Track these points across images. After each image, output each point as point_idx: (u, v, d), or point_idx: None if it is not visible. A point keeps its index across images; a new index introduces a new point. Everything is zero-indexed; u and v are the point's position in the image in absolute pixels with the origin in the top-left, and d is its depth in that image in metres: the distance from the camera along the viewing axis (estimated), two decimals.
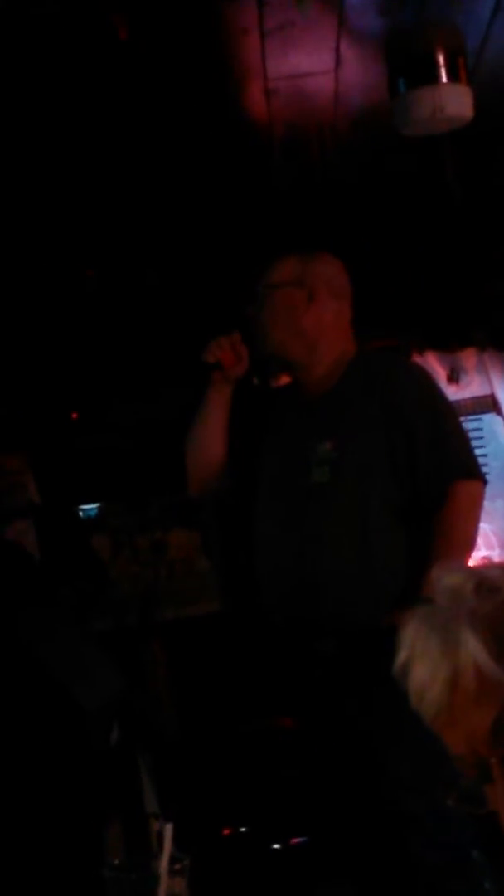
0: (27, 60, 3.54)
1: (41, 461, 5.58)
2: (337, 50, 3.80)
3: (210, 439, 3.55)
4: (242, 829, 5.15)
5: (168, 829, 1.35)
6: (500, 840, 1.21)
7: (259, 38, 3.63)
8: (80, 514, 6.43)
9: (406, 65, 3.77)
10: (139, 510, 6.04)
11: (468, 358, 6.91)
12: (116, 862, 1.53)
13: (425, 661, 1.24)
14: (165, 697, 5.41)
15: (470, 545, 3.37)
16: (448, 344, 6.87)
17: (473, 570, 1.29)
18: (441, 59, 3.72)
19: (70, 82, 3.71)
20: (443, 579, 1.28)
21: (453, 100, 3.75)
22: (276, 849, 5.06)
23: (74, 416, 6.39)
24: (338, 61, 3.88)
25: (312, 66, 3.91)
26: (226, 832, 5.13)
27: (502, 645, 1.20)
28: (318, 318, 3.46)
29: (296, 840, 5.08)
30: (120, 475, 6.04)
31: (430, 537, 3.31)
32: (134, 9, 3.25)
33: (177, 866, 1.47)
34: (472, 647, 1.20)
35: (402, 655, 1.27)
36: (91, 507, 6.57)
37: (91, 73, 3.67)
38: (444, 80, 3.72)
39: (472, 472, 3.36)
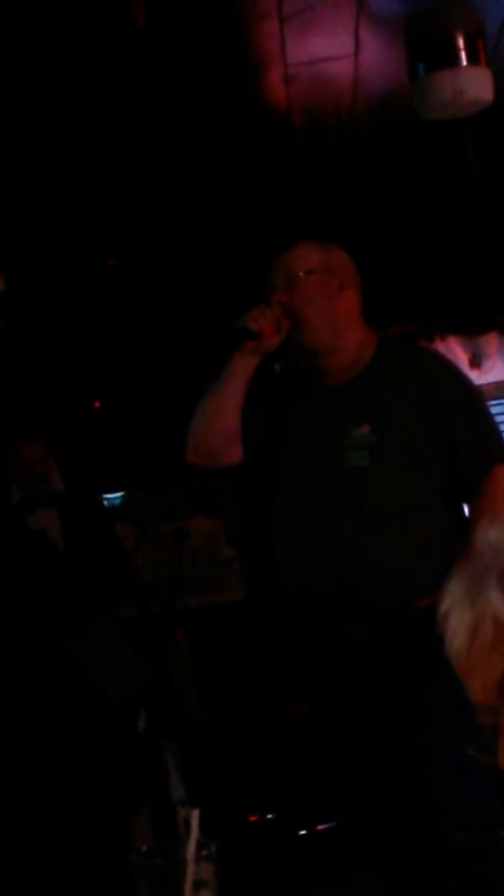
0: (47, 48, 3.54)
1: (64, 450, 5.59)
2: (356, 34, 3.78)
3: (227, 409, 3.53)
4: (269, 816, 5.16)
5: (195, 815, 1.35)
6: None
7: (278, 23, 3.62)
8: (104, 502, 6.44)
9: (425, 48, 3.75)
10: (162, 498, 6.05)
11: (490, 342, 6.90)
12: (144, 848, 1.53)
13: (457, 610, 1.28)
14: (190, 685, 5.41)
15: None
16: (470, 328, 6.86)
17: None
18: (461, 42, 3.70)
19: (89, 69, 3.71)
20: (486, 533, 1.31)
21: (473, 83, 3.73)
22: (302, 835, 5.07)
23: (97, 404, 6.41)
24: (357, 46, 3.86)
25: (332, 50, 3.90)
26: (253, 818, 5.14)
27: None
28: (348, 304, 3.49)
29: (322, 826, 5.09)
30: (142, 463, 6.05)
31: (469, 520, 3.38)
32: None
33: (203, 852, 1.47)
34: (493, 598, 1.25)
35: (443, 605, 1.31)
36: (115, 496, 6.58)
37: (110, 59, 3.67)
38: (464, 63, 3.70)
39: None
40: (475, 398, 3.55)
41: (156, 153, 4.50)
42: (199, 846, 1.48)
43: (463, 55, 3.71)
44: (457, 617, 1.27)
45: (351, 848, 4.90)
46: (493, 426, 3.51)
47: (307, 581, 3.43)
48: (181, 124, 4.28)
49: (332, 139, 4.70)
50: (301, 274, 3.48)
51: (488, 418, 3.52)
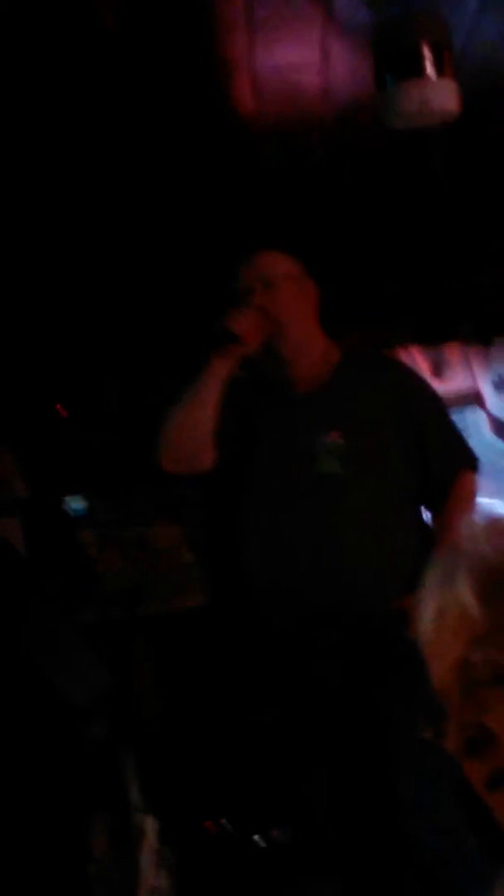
0: (12, 49, 3.53)
1: (27, 455, 5.56)
2: (323, 44, 3.79)
3: (205, 413, 3.49)
4: (224, 822, 5.15)
5: (150, 823, 1.35)
6: (495, 827, 1.26)
7: (246, 30, 3.62)
8: (66, 508, 6.42)
9: (392, 58, 3.76)
10: (124, 504, 6.03)
11: (452, 352, 6.91)
12: (99, 856, 1.53)
13: (429, 596, 1.31)
14: (150, 691, 5.40)
15: None
16: (432, 338, 6.88)
17: (496, 518, 1.35)
18: (428, 53, 3.71)
19: (56, 74, 3.70)
20: (464, 527, 1.35)
21: (440, 94, 3.74)
22: (260, 841, 5.07)
23: (59, 408, 6.38)
24: (324, 55, 3.87)
25: (299, 59, 3.90)
26: (208, 825, 5.13)
27: (489, 588, 1.26)
28: (317, 312, 3.50)
29: (277, 832, 5.08)
30: (106, 469, 6.03)
31: (438, 524, 3.43)
32: (122, 0, 3.24)
33: (159, 860, 1.47)
34: (461, 587, 1.27)
35: (419, 591, 1.34)
36: (78, 502, 6.56)
37: (77, 65, 3.66)
38: (431, 74, 3.72)
39: (474, 464, 3.49)
40: (442, 405, 3.61)
41: (122, 159, 4.49)
42: (155, 854, 1.48)
43: (429, 66, 3.72)
44: (427, 602, 1.31)
45: (308, 854, 4.91)
46: (459, 432, 3.57)
47: (280, 586, 3.44)
48: (148, 132, 4.27)
49: (298, 148, 4.70)
50: (279, 279, 3.48)
51: (454, 425, 3.58)
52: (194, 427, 3.50)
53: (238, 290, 3.53)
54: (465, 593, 1.26)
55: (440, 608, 1.29)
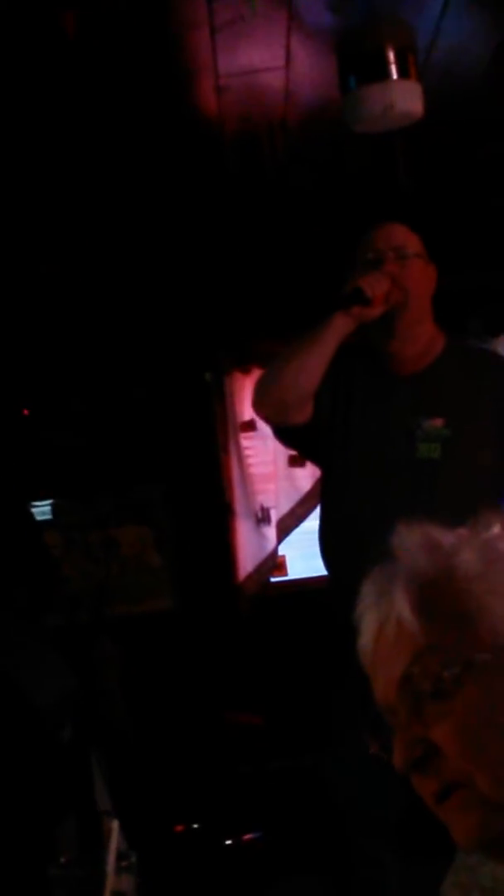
0: None
1: None
2: (287, 46, 3.79)
3: (315, 367, 3.37)
4: (195, 826, 5.15)
5: (115, 827, 1.35)
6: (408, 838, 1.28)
7: (209, 33, 3.62)
8: (33, 511, 6.40)
9: (357, 61, 3.77)
10: (91, 507, 6.03)
11: None
12: (63, 860, 1.53)
13: (368, 610, 1.32)
14: (117, 694, 5.39)
15: None
16: None
17: (429, 530, 1.35)
18: (391, 56, 3.72)
19: (16, 79, 3.69)
20: (401, 538, 1.35)
21: (404, 96, 3.75)
22: (229, 845, 5.07)
23: (26, 412, 6.36)
24: (288, 58, 3.87)
25: (263, 62, 3.90)
26: (179, 829, 5.13)
27: (424, 601, 1.26)
28: (431, 297, 3.49)
29: (248, 836, 5.09)
30: (71, 471, 6.02)
31: None
32: (82, 4, 3.23)
33: (124, 863, 1.48)
34: (399, 599, 1.27)
35: (359, 606, 1.34)
36: (44, 504, 6.54)
37: (39, 68, 3.65)
38: (395, 76, 3.73)
39: None
40: None
41: (87, 163, 4.48)
42: (120, 857, 1.48)
43: (394, 69, 3.73)
44: (367, 617, 1.31)
45: (277, 857, 4.91)
46: None
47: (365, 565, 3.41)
48: (112, 135, 4.26)
49: (263, 150, 4.70)
50: (411, 251, 3.46)
51: None
52: (307, 378, 3.37)
53: (367, 256, 3.46)
54: (403, 607, 1.26)
55: (379, 623, 1.29)
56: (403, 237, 3.49)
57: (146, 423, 6.06)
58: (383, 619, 1.28)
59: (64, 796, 3.96)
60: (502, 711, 1.22)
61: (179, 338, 6.07)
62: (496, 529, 1.33)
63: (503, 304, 6.20)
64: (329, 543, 3.51)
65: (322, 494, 3.60)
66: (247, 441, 6.15)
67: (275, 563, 6.14)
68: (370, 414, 3.44)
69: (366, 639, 1.31)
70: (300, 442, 3.59)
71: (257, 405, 3.53)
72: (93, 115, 4.07)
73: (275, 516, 6.08)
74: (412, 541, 1.33)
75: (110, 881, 1.43)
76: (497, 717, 1.22)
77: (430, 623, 1.25)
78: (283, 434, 3.58)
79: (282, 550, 6.16)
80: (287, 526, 6.05)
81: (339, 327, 3.39)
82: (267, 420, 3.54)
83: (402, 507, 3.28)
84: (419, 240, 3.50)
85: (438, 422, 3.37)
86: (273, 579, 6.16)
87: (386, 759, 1.28)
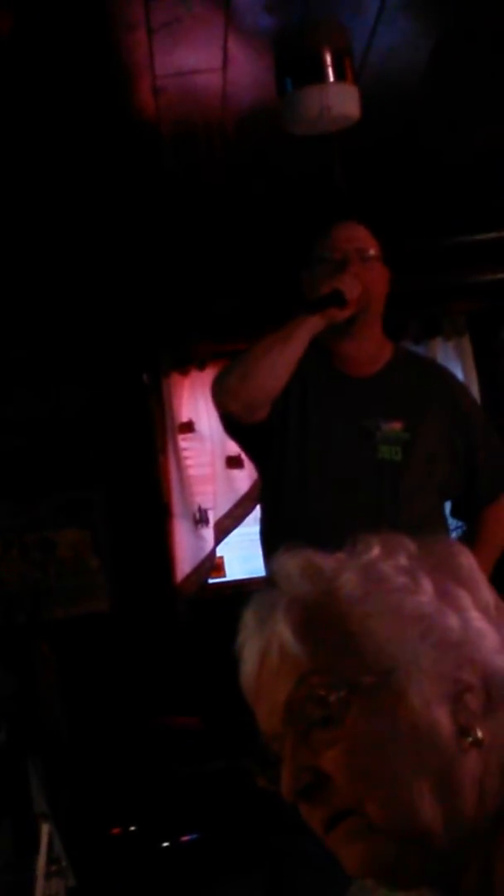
0: None
1: None
2: (225, 48, 3.80)
3: (284, 367, 3.33)
4: (132, 828, 5.14)
5: (45, 830, 1.34)
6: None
7: (146, 34, 3.61)
8: None
9: (293, 64, 3.78)
10: (28, 509, 5.99)
11: None
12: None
13: (249, 639, 1.29)
14: (54, 697, 5.37)
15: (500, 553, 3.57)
16: None
17: (310, 555, 1.33)
18: (328, 59, 3.74)
19: None
20: (279, 563, 1.32)
21: (340, 99, 3.77)
22: (166, 846, 5.06)
23: None
24: (225, 59, 3.88)
25: (200, 63, 3.90)
26: (115, 831, 5.12)
27: (307, 625, 1.25)
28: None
29: (186, 837, 5.08)
30: (8, 473, 5.99)
31: (473, 536, 3.46)
32: (19, 3, 3.21)
33: (54, 868, 1.47)
34: (280, 625, 1.25)
35: (240, 635, 1.31)
36: None
37: None
38: (332, 79, 3.74)
39: None
40: (487, 418, 3.64)
41: (23, 162, 4.46)
42: (50, 861, 1.47)
43: (330, 71, 3.75)
44: (248, 645, 1.29)
45: (215, 859, 4.91)
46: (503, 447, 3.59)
47: None
48: (48, 135, 4.25)
49: (201, 151, 4.70)
50: (373, 253, 3.44)
51: (499, 439, 3.59)
52: (277, 377, 3.33)
53: (333, 255, 3.44)
54: (285, 633, 1.24)
55: (262, 650, 1.27)
56: (365, 238, 3.49)
57: (84, 424, 6.04)
58: (265, 645, 1.26)
59: (0, 799, 3.94)
60: (390, 735, 1.20)
61: (117, 339, 6.05)
62: (376, 551, 1.31)
63: (441, 306, 6.24)
64: (276, 545, 3.51)
65: (266, 496, 3.58)
66: (185, 442, 6.14)
67: (213, 564, 6.14)
68: (326, 414, 3.44)
69: (248, 667, 1.28)
70: (251, 440, 3.56)
71: (223, 402, 3.45)
72: (29, 115, 4.05)
73: (213, 518, 6.08)
74: (292, 566, 1.31)
75: (40, 885, 1.42)
76: (384, 741, 1.20)
77: (313, 647, 1.23)
78: (239, 431, 3.54)
79: (220, 552, 6.16)
80: (225, 527, 6.05)
81: (313, 328, 3.36)
82: (231, 416, 3.49)
83: (366, 508, 3.30)
84: (377, 242, 3.51)
85: (397, 424, 3.38)
86: (211, 580, 6.16)
87: (273, 790, 1.26)
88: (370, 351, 3.48)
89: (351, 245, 3.45)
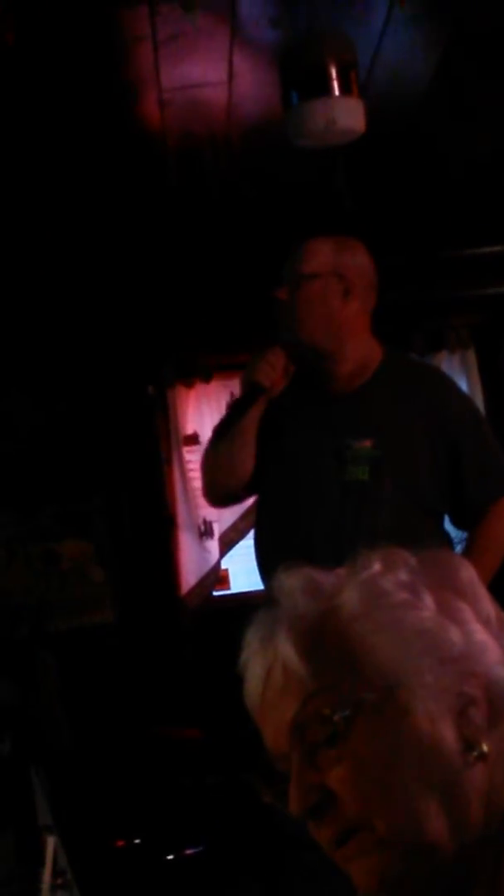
0: None
1: None
2: (230, 61, 3.81)
3: (246, 457, 3.44)
4: (137, 841, 5.13)
5: (51, 843, 1.34)
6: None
7: (152, 47, 3.62)
8: None
9: (299, 77, 3.79)
10: (31, 519, 5.99)
11: None
12: (2, 875, 1.52)
13: (253, 658, 1.29)
14: (58, 708, 5.37)
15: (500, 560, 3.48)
16: None
17: (311, 573, 1.32)
18: (333, 72, 3.75)
19: None
20: (280, 581, 1.32)
21: (345, 112, 3.77)
22: (170, 860, 5.05)
23: None
24: (231, 73, 3.89)
25: (206, 76, 3.92)
26: (120, 844, 5.10)
27: (310, 644, 1.25)
28: (353, 312, 3.42)
29: (190, 850, 5.07)
30: (11, 483, 5.99)
31: (471, 544, 3.41)
32: (24, 15, 3.22)
33: (59, 881, 1.46)
34: (283, 644, 1.25)
35: (243, 654, 1.31)
36: None
37: None
38: (337, 92, 3.75)
39: None
40: (481, 421, 3.57)
41: (29, 175, 4.47)
42: (55, 874, 1.47)
43: (336, 85, 3.75)
44: (252, 665, 1.29)
45: (219, 871, 4.90)
46: (499, 451, 3.52)
47: None
48: (54, 147, 4.25)
49: (206, 164, 4.71)
50: (306, 275, 3.41)
51: (495, 443, 3.52)
52: (236, 468, 3.46)
53: (279, 293, 3.46)
54: (288, 652, 1.25)
55: (265, 669, 1.27)
56: (303, 261, 3.45)
57: (89, 435, 6.04)
58: (269, 665, 1.26)
59: (2, 811, 3.94)
60: (395, 752, 1.20)
61: (122, 350, 6.05)
62: (377, 567, 1.30)
63: (445, 319, 6.24)
64: (261, 563, 3.53)
65: (256, 513, 3.62)
66: (190, 454, 6.14)
67: (217, 576, 6.14)
68: (301, 435, 3.45)
69: (252, 686, 1.29)
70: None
71: (213, 502, 3.71)
72: (36, 127, 4.06)
73: (217, 530, 6.08)
74: (293, 584, 1.30)
75: None
76: (390, 758, 1.20)
77: (316, 666, 1.23)
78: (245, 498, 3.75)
79: (225, 564, 6.16)
80: (230, 540, 6.05)
81: (253, 416, 3.46)
82: (224, 506, 3.70)
83: (330, 529, 3.29)
84: (331, 258, 3.45)
85: (367, 443, 3.36)
86: (216, 593, 6.16)
87: (280, 808, 1.26)
88: (351, 367, 3.46)
89: (287, 269, 3.46)
